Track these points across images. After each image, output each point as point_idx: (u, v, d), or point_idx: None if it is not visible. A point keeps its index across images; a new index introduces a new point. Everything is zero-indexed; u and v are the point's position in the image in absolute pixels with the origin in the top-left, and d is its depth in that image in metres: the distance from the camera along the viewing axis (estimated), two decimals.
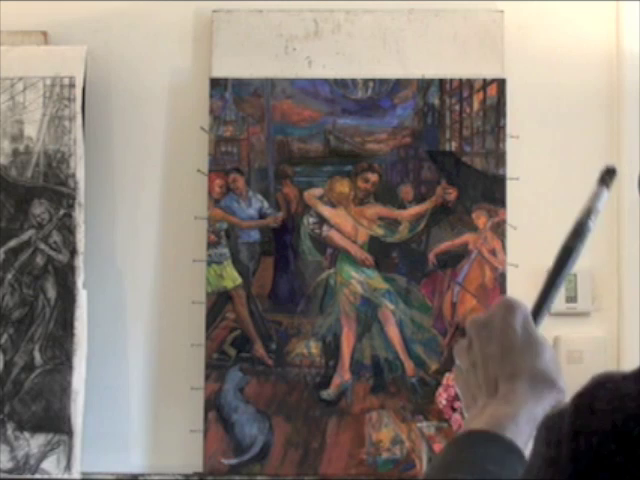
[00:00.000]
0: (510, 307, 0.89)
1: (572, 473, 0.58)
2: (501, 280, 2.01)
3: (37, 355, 1.97)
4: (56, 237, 1.98)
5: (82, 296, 1.97)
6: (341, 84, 2.06)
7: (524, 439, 0.82)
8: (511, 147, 2.03)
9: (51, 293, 1.98)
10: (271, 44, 2.07)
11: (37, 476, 1.95)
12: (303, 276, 2.04)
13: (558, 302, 2.05)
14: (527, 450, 0.79)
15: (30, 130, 2.00)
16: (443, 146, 2.04)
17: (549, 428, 0.62)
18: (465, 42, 2.06)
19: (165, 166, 2.10)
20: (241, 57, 2.07)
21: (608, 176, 0.96)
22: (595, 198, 0.96)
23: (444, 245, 2.03)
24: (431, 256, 2.03)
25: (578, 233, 0.95)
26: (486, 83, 2.04)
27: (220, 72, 2.06)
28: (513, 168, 2.03)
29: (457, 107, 2.04)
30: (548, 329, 2.04)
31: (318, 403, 2.01)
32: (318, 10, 2.07)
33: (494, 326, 0.88)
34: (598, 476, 0.58)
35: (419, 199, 2.04)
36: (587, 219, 0.95)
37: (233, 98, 2.05)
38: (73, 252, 1.98)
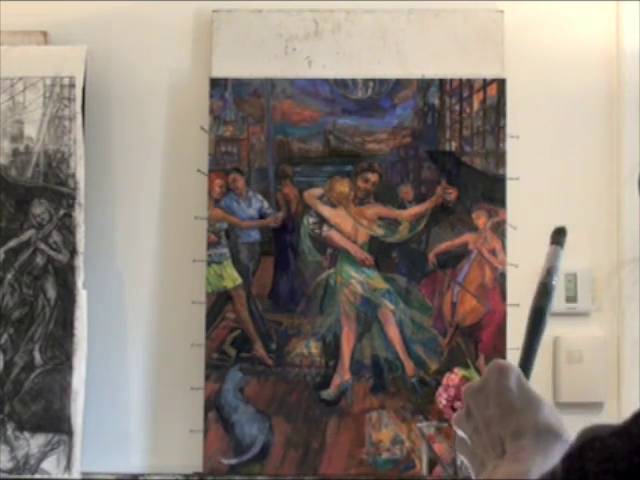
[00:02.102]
0: (502, 369, 0.91)
1: None
2: (501, 280, 2.01)
3: (37, 355, 1.97)
4: (56, 237, 1.98)
5: (82, 296, 1.97)
6: (341, 84, 2.06)
7: None
8: (511, 147, 2.03)
9: (51, 293, 1.98)
10: (271, 44, 2.07)
11: (37, 476, 1.95)
12: (303, 276, 2.04)
13: (558, 302, 2.05)
14: None
15: (30, 130, 2.00)
16: (443, 146, 2.04)
17: None
18: (465, 42, 2.06)
19: (165, 166, 2.10)
20: (241, 57, 2.07)
21: (559, 236, 1.04)
22: (552, 258, 1.02)
23: (444, 245, 2.03)
24: (431, 256, 2.03)
25: (544, 293, 1.00)
26: (486, 83, 2.04)
27: (220, 72, 2.06)
28: (513, 168, 2.03)
29: (457, 107, 2.04)
30: (548, 329, 2.04)
31: (318, 403, 2.01)
32: (318, 10, 2.07)
33: (489, 390, 0.90)
34: None
35: (419, 199, 2.04)
36: (550, 279, 1.01)
37: (233, 98, 2.05)
38: (73, 252, 1.98)
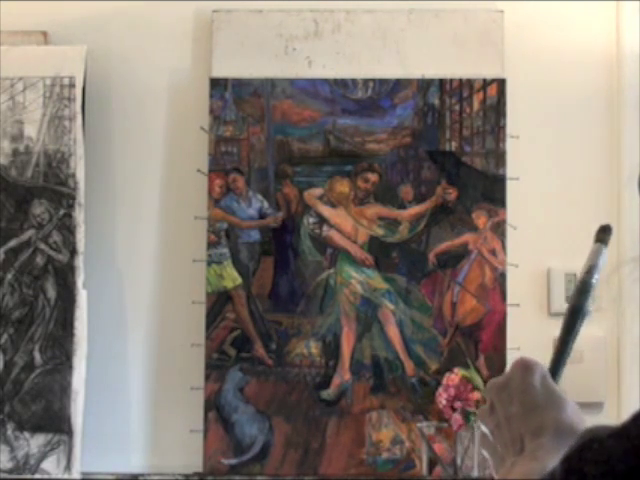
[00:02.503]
0: (527, 367, 0.91)
1: None
2: (501, 280, 2.01)
3: (37, 355, 1.97)
4: (56, 237, 1.98)
5: (82, 296, 1.97)
6: (341, 84, 2.06)
7: None
8: (511, 147, 2.03)
9: (51, 293, 1.98)
10: (271, 44, 2.07)
11: (37, 476, 1.95)
12: (303, 276, 2.04)
13: (558, 302, 2.05)
14: None
15: (30, 130, 2.00)
16: (443, 146, 2.04)
17: None
18: (465, 42, 2.06)
19: (165, 166, 2.10)
20: (241, 57, 2.07)
21: (604, 234, 1.02)
22: (595, 256, 1.00)
23: (444, 245, 2.03)
24: (431, 256, 2.03)
25: (582, 291, 0.98)
26: (486, 83, 2.04)
27: (220, 72, 2.06)
28: (513, 168, 2.03)
29: (457, 107, 2.04)
30: (548, 329, 2.05)
31: (318, 403, 2.01)
32: (318, 10, 2.07)
33: (514, 387, 0.90)
34: None
35: (419, 199, 2.04)
36: (590, 277, 0.99)
37: (233, 98, 2.05)
38: (73, 252, 1.98)
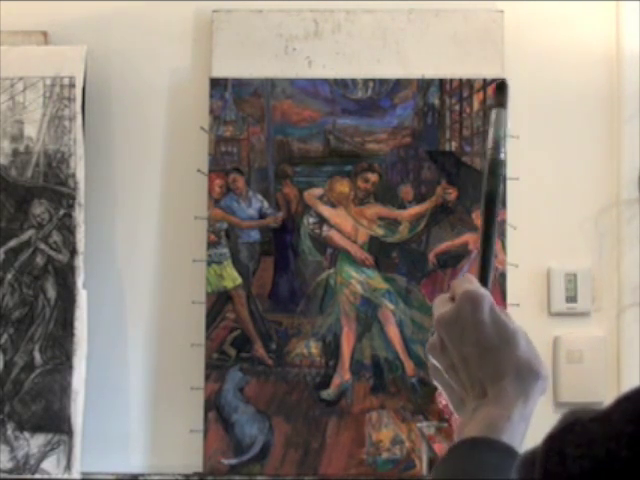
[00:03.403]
0: (475, 299, 0.87)
1: None
2: (501, 280, 2.01)
3: (37, 355, 1.97)
4: (56, 237, 1.98)
5: (82, 296, 1.97)
6: (341, 84, 2.06)
7: (519, 439, 0.82)
8: (511, 147, 2.03)
9: (51, 293, 1.98)
10: (271, 44, 2.07)
11: (37, 476, 1.95)
12: (303, 276, 2.04)
13: (558, 302, 2.05)
14: (522, 448, 0.80)
15: (30, 130, 2.00)
16: (443, 146, 2.04)
17: (523, 468, 0.62)
18: (465, 42, 2.06)
19: (165, 166, 2.10)
20: (241, 57, 2.07)
21: (501, 94, 0.90)
22: (497, 125, 0.90)
23: (444, 245, 2.03)
24: (431, 256, 2.03)
25: (494, 172, 0.91)
26: (486, 83, 2.04)
27: (220, 72, 2.06)
28: (513, 168, 2.03)
29: (457, 107, 2.04)
30: (548, 329, 2.05)
31: (318, 403, 2.01)
32: (318, 10, 2.07)
33: (464, 323, 0.87)
34: None
35: (419, 199, 2.04)
36: (498, 153, 0.90)
37: (233, 98, 2.05)
38: (73, 252, 1.98)
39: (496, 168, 0.89)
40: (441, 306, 0.90)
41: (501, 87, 0.90)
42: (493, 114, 0.89)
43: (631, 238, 2.01)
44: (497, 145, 0.88)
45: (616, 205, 2.05)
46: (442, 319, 0.89)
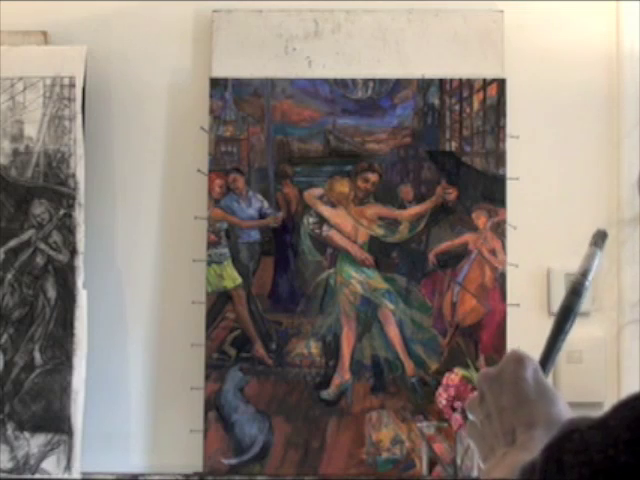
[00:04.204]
0: (520, 360, 0.91)
1: None
2: (501, 280, 2.01)
3: (37, 355, 1.97)
4: (56, 237, 1.98)
5: (82, 296, 1.97)
6: (341, 84, 2.06)
7: None
8: (511, 147, 2.03)
9: (51, 293, 1.98)
10: (271, 44, 2.07)
11: (37, 476, 1.95)
12: (303, 276, 2.04)
13: (558, 302, 2.04)
14: None
15: (30, 130, 2.00)
16: (443, 146, 2.04)
17: (523, 477, 0.63)
18: (465, 42, 2.06)
19: (165, 166, 2.10)
20: (241, 57, 2.07)
21: (600, 239, 1.03)
22: (589, 259, 1.02)
23: (444, 245, 2.03)
24: (431, 256, 2.03)
25: (576, 293, 1.00)
26: (486, 83, 2.04)
27: (220, 72, 2.06)
28: (513, 168, 2.03)
29: (457, 107, 2.04)
30: (548, 329, 2.04)
31: (318, 403, 2.01)
32: (318, 10, 2.07)
33: (505, 379, 0.90)
34: None
35: (419, 199, 2.04)
36: (584, 280, 1.00)
37: (233, 98, 2.05)
38: (73, 252, 1.98)
39: (580, 290, 1.00)
40: (487, 368, 0.96)
41: (602, 234, 1.04)
42: (589, 250, 1.03)
43: (631, 238, 2.01)
44: (585, 273, 1.01)
45: (616, 205, 2.05)
46: (485, 374, 0.93)
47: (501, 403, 0.89)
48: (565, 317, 1.01)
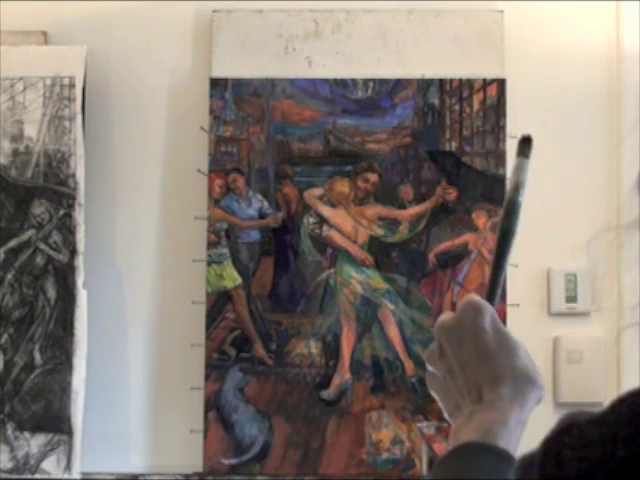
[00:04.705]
0: (478, 309, 0.89)
1: None
2: None
3: (37, 355, 1.97)
4: (56, 237, 1.98)
5: (82, 296, 1.97)
6: (341, 84, 2.06)
7: (515, 444, 0.82)
8: (511, 147, 2.03)
9: (51, 293, 1.98)
10: (271, 44, 2.07)
11: (37, 476, 1.95)
12: (303, 276, 2.04)
13: (558, 302, 2.05)
14: (518, 453, 0.80)
15: (30, 130, 2.00)
16: (443, 146, 2.04)
17: (522, 471, 0.63)
18: (465, 42, 2.06)
19: (165, 166, 2.10)
20: (241, 57, 2.07)
21: (525, 146, 0.96)
22: (519, 172, 0.96)
23: (444, 245, 2.03)
24: (431, 256, 2.03)
25: (512, 212, 0.95)
26: (486, 83, 2.04)
27: (220, 72, 2.06)
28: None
29: (457, 107, 2.04)
30: (548, 329, 2.05)
31: (318, 403, 2.01)
32: (318, 10, 2.07)
33: (464, 330, 0.88)
34: None
35: (419, 199, 2.04)
36: (517, 195, 0.95)
37: (233, 98, 2.05)
38: (73, 252, 1.98)
39: (514, 208, 0.95)
40: (443, 317, 0.92)
41: (526, 140, 0.96)
42: (516, 162, 0.96)
43: (631, 238, 2.01)
44: (517, 187, 0.95)
45: (616, 205, 2.05)
46: (443, 325, 0.90)
47: (463, 357, 0.87)
48: (506, 240, 0.98)
